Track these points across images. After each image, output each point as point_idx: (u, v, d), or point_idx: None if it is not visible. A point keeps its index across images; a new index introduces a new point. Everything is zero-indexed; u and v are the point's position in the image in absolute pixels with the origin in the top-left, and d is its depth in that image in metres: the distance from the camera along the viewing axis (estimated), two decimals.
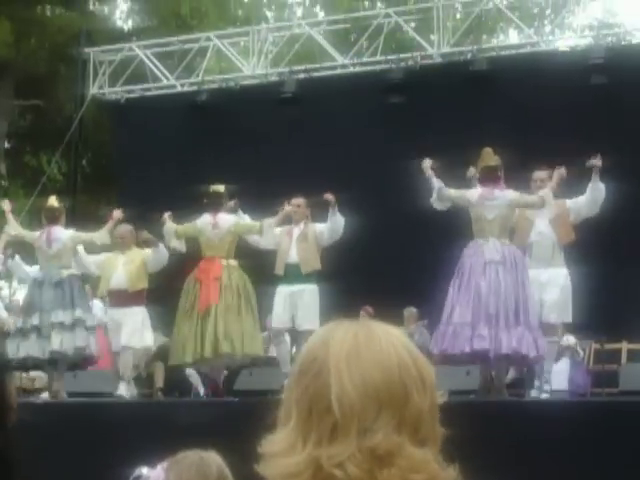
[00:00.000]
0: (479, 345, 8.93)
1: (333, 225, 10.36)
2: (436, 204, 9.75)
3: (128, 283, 10.94)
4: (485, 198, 9.42)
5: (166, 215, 10.78)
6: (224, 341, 10.07)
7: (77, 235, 11.05)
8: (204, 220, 10.59)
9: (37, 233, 11.07)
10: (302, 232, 10.45)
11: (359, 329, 1.42)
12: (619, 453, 7.54)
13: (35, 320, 10.71)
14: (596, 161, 9.43)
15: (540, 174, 9.72)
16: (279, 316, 10.38)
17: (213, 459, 3.13)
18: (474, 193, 9.51)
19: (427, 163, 9.73)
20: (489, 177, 9.48)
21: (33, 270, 11.72)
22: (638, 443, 7.52)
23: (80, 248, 11.13)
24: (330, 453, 1.34)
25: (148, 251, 10.98)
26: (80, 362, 10.95)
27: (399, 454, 1.35)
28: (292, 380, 1.42)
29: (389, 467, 1.34)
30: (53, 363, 10.87)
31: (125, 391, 10.72)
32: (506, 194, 9.42)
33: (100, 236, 10.96)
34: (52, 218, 11.03)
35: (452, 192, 9.62)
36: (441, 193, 9.62)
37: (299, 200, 10.59)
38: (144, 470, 3.01)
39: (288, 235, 10.48)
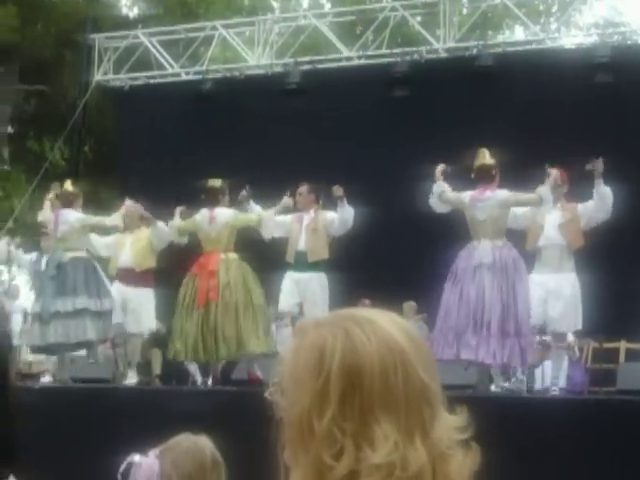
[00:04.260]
0: (466, 355, 8.94)
1: (342, 216, 10.36)
2: (436, 206, 9.74)
3: (135, 262, 10.92)
4: (476, 199, 9.41)
5: (177, 210, 10.82)
6: (222, 345, 10.13)
7: (86, 218, 10.94)
8: (202, 215, 10.61)
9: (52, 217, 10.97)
10: (312, 220, 10.46)
11: (398, 319, 1.46)
12: (615, 451, 7.55)
13: (37, 308, 10.69)
14: (596, 165, 9.35)
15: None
16: (286, 299, 10.41)
17: (206, 444, 3.13)
18: (467, 195, 9.51)
19: (440, 169, 9.70)
20: (483, 176, 9.46)
21: (31, 256, 11.71)
22: (634, 441, 7.53)
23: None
24: (436, 437, 1.39)
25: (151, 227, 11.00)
26: (82, 349, 10.90)
27: None
28: (371, 380, 1.39)
29: None
30: (53, 351, 10.85)
31: (134, 377, 10.80)
32: (497, 194, 9.38)
33: (112, 219, 10.89)
34: (66, 202, 10.93)
35: (451, 195, 9.61)
36: (442, 197, 9.61)
37: (302, 188, 10.59)
38: (136, 458, 3.01)
39: (298, 222, 10.49)
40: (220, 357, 10.38)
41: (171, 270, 10.95)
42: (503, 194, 9.39)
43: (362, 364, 1.37)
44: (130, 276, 10.95)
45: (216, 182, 10.68)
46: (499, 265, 9.10)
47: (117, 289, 11.06)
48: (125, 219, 11.06)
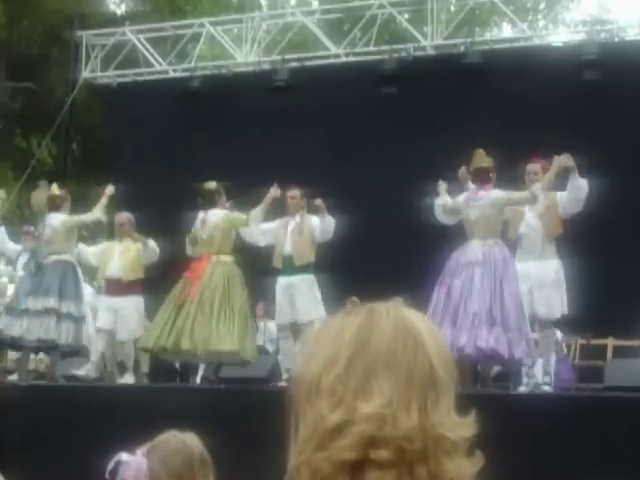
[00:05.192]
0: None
1: (324, 228, 10.43)
2: (443, 220, 9.77)
3: (122, 273, 10.93)
4: (469, 199, 9.45)
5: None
6: (187, 338, 10.00)
7: (69, 219, 10.90)
8: (198, 218, 10.61)
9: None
10: (298, 224, 10.48)
11: (428, 319, 1.52)
12: (602, 448, 7.56)
13: (12, 303, 10.68)
14: (565, 161, 9.38)
15: (533, 167, 9.68)
16: (280, 311, 10.46)
17: (194, 442, 3.12)
18: (462, 196, 9.54)
19: (443, 187, 9.73)
20: (480, 178, 9.47)
21: (16, 247, 11.69)
22: (621, 438, 7.55)
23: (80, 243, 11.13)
24: (436, 420, 1.41)
25: (140, 244, 11.00)
26: (46, 351, 10.80)
27: None
28: (378, 355, 1.43)
29: None
30: (15, 347, 10.81)
31: (131, 379, 10.81)
32: (490, 194, 9.39)
33: (92, 215, 10.88)
34: (53, 206, 10.90)
35: (451, 203, 9.62)
36: (446, 208, 9.64)
37: (294, 192, 10.59)
38: (123, 456, 3.00)
39: (284, 227, 10.52)
40: (182, 351, 10.17)
41: (164, 276, 10.92)
42: (496, 193, 9.39)
43: (374, 333, 1.44)
44: (118, 285, 10.97)
45: (211, 184, 10.64)
46: (488, 261, 9.11)
47: (106, 301, 11.12)
48: (115, 228, 11.16)
